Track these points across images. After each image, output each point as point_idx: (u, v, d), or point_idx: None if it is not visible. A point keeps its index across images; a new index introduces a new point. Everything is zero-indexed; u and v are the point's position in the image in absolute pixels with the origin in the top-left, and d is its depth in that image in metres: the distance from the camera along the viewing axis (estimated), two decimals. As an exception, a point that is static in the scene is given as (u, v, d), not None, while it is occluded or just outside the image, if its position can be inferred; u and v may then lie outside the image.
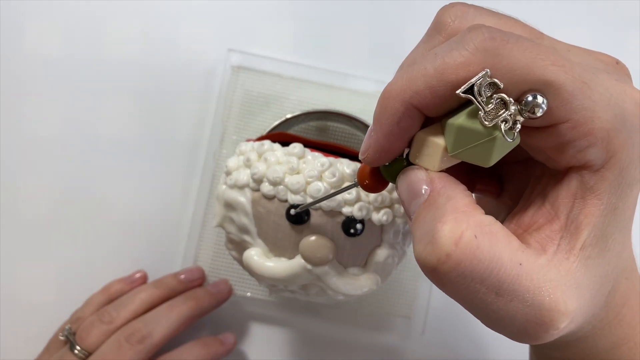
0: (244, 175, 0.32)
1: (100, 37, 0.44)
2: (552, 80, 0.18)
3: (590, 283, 0.20)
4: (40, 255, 0.43)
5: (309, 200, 0.30)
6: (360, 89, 0.44)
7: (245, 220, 0.32)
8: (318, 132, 0.43)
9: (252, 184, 0.32)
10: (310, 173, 0.30)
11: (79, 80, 0.43)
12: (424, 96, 0.19)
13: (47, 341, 0.40)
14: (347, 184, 0.30)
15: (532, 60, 0.18)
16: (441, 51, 0.19)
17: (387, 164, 0.22)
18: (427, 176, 0.20)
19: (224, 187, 0.33)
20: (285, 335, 0.44)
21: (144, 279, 0.42)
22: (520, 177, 0.25)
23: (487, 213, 0.20)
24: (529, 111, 0.18)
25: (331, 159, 0.31)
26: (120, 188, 0.43)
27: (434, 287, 0.33)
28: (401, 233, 0.33)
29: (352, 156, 0.32)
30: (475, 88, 0.18)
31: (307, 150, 0.32)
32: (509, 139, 0.18)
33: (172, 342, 0.39)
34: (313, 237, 0.31)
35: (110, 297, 0.41)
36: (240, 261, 0.34)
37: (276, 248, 0.32)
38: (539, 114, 0.18)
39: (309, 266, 0.31)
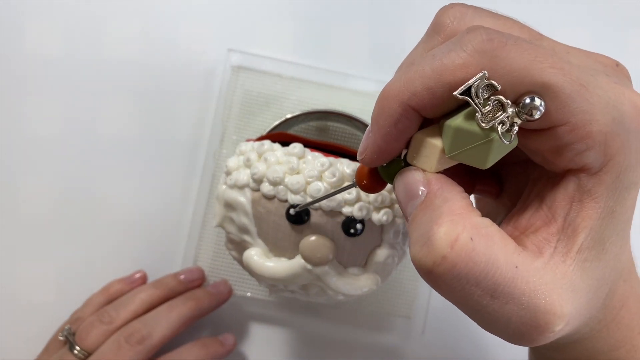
0: (244, 175, 0.32)
1: (100, 37, 0.44)
2: (551, 83, 0.18)
3: (587, 286, 0.20)
4: (40, 255, 0.43)
5: (309, 200, 0.30)
6: (360, 89, 0.43)
7: (245, 220, 0.32)
8: (318, 132, 0.43)
9: (252, 184, 0.32)
10: (310, 173, 0.30)
11: (79, 80, 0.43)
12: (422, 97, 0.19)
13: (47, 341, 0.40)
14: (346, 184, 0.30)
15: (531, 63, 0.18)
16: (439, 52, 0.19)
17: (385, 164, 0.22)
18: (424, 177, 0.20)
19: (224, 187, 0.33)
20: (285, 335, 0.44)
21: (143, 279, 0.42)
22: (519, 178, 0.25)
23: (486, 213, 0.20)
24: (526, 113, 0.18)
25: (331, 159, 0.31)
26: (120, 188, 0.43)
27: (434, 288, 0.33)
28: (401, 233, 0.33)
29: (352, 156, 0.32)
30: (473, 90, 0.18)
31: (307, 150, 0.32)
32: (505, 141, 0.18)
33: (172, 342, 0.39)
34: (313, 237, 0.31)
35: (110, 297, 0.41)
36: (240, 261, 0.34)
37: (276, 248, 0.32)
38: (536, 117, 0.18)
39: (309, 266, 0.31)
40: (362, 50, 0.46)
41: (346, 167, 0.31)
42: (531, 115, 0.18)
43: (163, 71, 0.44)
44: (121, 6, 0.44)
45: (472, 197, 0.26)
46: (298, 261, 0.31)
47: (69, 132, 0.43)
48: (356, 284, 0.32)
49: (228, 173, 0.33)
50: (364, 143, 0.21)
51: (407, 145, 0.21)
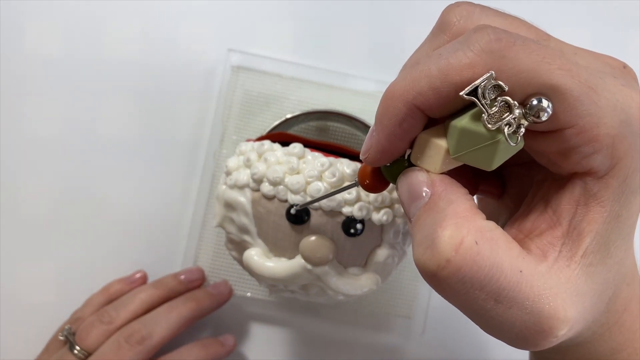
0: (244, 175, 0.32)
1: (100, 37, 0.44)
2: (558, 85, 0.17)
3: (591, 290, 0.20)
4: (40, 255, 0.43)
5: (309, 200, 0.30)
6: (360, 89, 0.43)
7: (245, 220, 0.32)
8: (318, 132, 0.43)
9: (252, 184, 0.32)
10: (310, 173, 0.30)
11: (79, 80, 0.43)
12: (427, 97, 0.19)
13: (47, 341, 0.40)
14: (347, 183, 0.30)
15: (539, 64, 0.17)
16: (446, 52, 0.18)
17: (388, 164, 0.22)
18: (428, 178, 0.20)
19: (224, 187, 0.33)
20: (285, 335, 0.44)
21: (143, 279, 0.42)
22: (523, 179, 0.25)
23: (487, 214, 0.20)
24: (533, 115, 0.18)
25: (331, 159, 0.31)
26: (120, 188, 0.43)
27: (434, 288, 0.33)
28: (401, 233, 0.33)
29: (352, 156, 0.32)
30: (480, 90, 0.18)
31: (307, 150, 0.32)
32: (512, 143, 0.18)
33: (172, 343, 0.39)
34: (313, 237, 0.31)
35: (110, 298, 0.41)
36: (240, 261, 0.34)
37: (276, 248, 0.32)
38: (543, 119, 0.18)
39: (309, 266, 0.31)
40: (362, 50, 0.45)
41: (346, 167, 0.31)
42: (538, 117, 0.18)
43: (163, 71, 0.44)
44: (121, 6, 0.44)
45: (474, 200, 0.26)
46: (298, 261, 0.31)
47: (69, 132, 0.43)
48: (356, 284, 0.32)
49: (228, 173, 0.33)
50: (368, 142, 0.21)
51: (411, 145, 0.21)
